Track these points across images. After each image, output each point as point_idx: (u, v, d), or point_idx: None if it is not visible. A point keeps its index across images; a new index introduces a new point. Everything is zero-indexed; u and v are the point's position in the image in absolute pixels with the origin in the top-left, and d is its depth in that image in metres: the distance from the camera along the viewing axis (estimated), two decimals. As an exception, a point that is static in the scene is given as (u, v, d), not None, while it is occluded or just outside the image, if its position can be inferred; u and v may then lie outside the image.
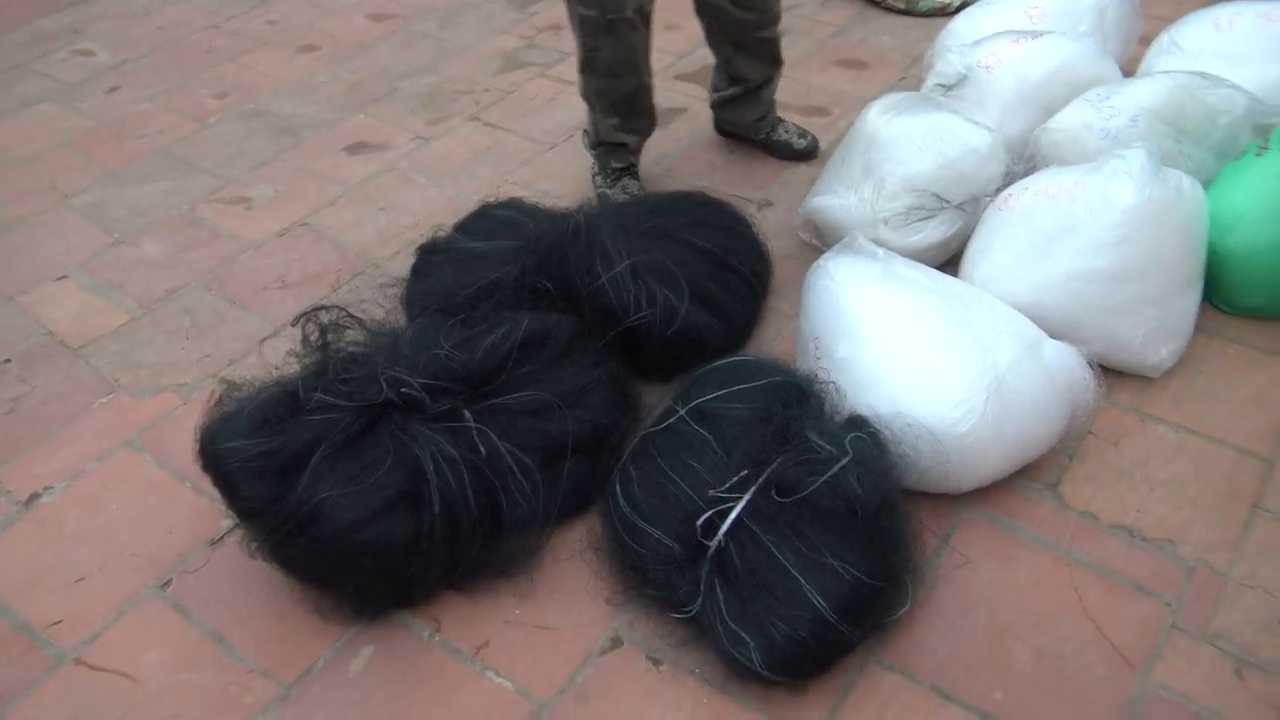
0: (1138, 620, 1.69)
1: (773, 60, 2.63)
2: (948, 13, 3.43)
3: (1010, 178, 2.37)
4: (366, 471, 1.70)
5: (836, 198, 2.35)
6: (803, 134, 2.79)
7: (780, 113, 2.85)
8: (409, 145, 3.06)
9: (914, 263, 2.00)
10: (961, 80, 2.53)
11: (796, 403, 1.74)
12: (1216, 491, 1.88)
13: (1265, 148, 2.16)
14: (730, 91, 2.69)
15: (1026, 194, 2.12)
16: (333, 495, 1.67)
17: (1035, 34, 2.50)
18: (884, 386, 1.80)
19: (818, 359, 1.93)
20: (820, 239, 2.45)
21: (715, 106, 2.81)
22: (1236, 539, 1.79)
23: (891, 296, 1.89)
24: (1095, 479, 1.92)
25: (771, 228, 2.58)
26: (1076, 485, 1.91)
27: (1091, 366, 1.89)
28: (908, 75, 3.15)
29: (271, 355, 2.24)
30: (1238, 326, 2.19)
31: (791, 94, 3.13)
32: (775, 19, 2.51)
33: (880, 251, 1.96)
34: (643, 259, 2.08)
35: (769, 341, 2.27)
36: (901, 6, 3.50)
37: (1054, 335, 1.96)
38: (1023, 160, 2.41)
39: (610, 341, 2.02)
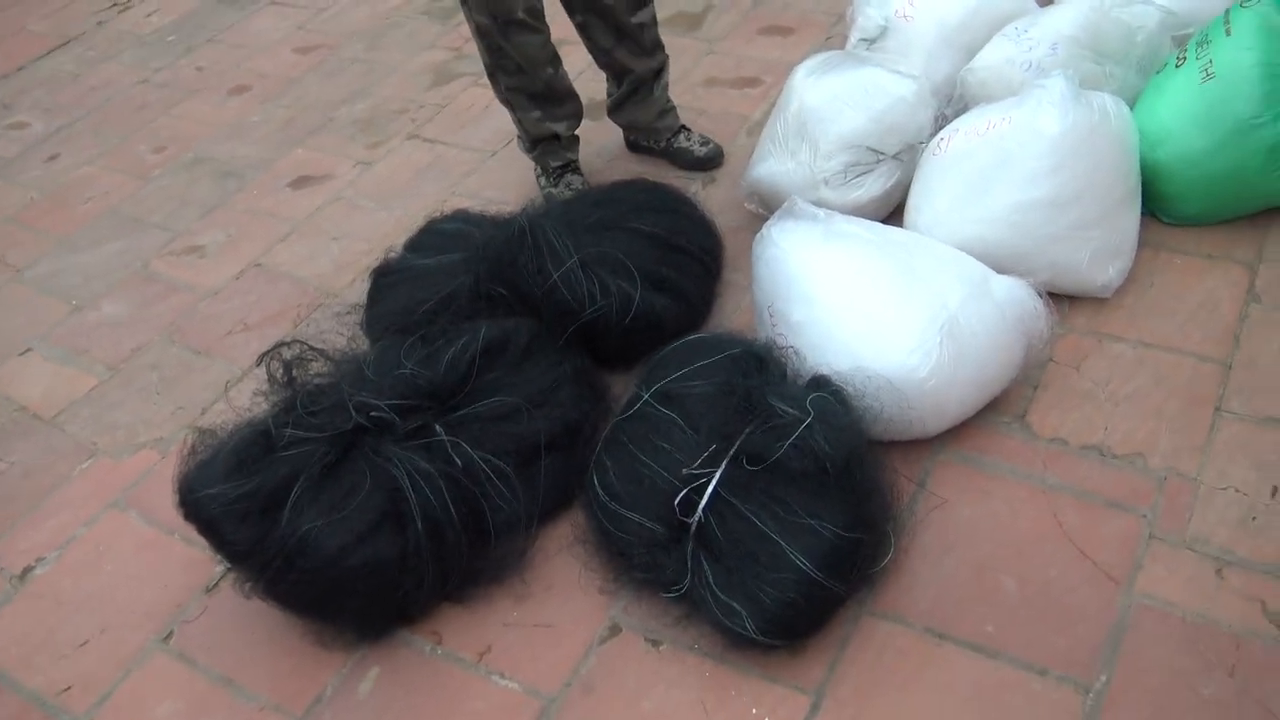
0: (1116, 536, 1.73)
1: (655, 47, 2.60)
2: (866, -33, 3.45)
3: (942, 121, 2.40)
4: (346, 498, 1.73)
5: (776, 164, 2.38)
6: (705, 141, 2.75)
7: (713, 88, 2.86)
8: (352, 172, 3.07)
9: (854, 219, 2.03)
10: (883, 33, 2.56)
11: (756, 372, 1.77)
12: (1179, 400, 1.92)
13: (1183, 58, 2.19)
14: (622, 91, 2.67)
15: (958, 136, 2.16)
16: (316, 526, 1.69)
17: (949, -23, 2.52)
18: (840, 344, 1.83)
19: (774, 326, 1.96)
20: (766, 207, 2.47)
21: (613, 114, 2.76)
22: (1203, 443, 1.83)
23: (836, 255, 1.92)
24: (1061, 405, 1.96)
25: (718, 203, 2.61)
26: (1043, 413, 1.95)
27: (1041, 295, 1.92)
28: (833, 34, 3.17)
29: (240, 398, 2.26)
30: (1180, 236, 2.23)
31: (722, 68, 3.15)
32: (645, 1, 2.49)
33: (820, 213, 1.99)
34: (592, 252, 2.10)
35: (729, 315, 2.29)
36: (820, -33, 3.52)
37: (1003, 269, 2.00)
38: (953, 102, 2.45)
39: (571, 337, 2.05)
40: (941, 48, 2.49)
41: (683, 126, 2.78)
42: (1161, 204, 2.25)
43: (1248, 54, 2.06)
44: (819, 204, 2.27)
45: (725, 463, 1.65)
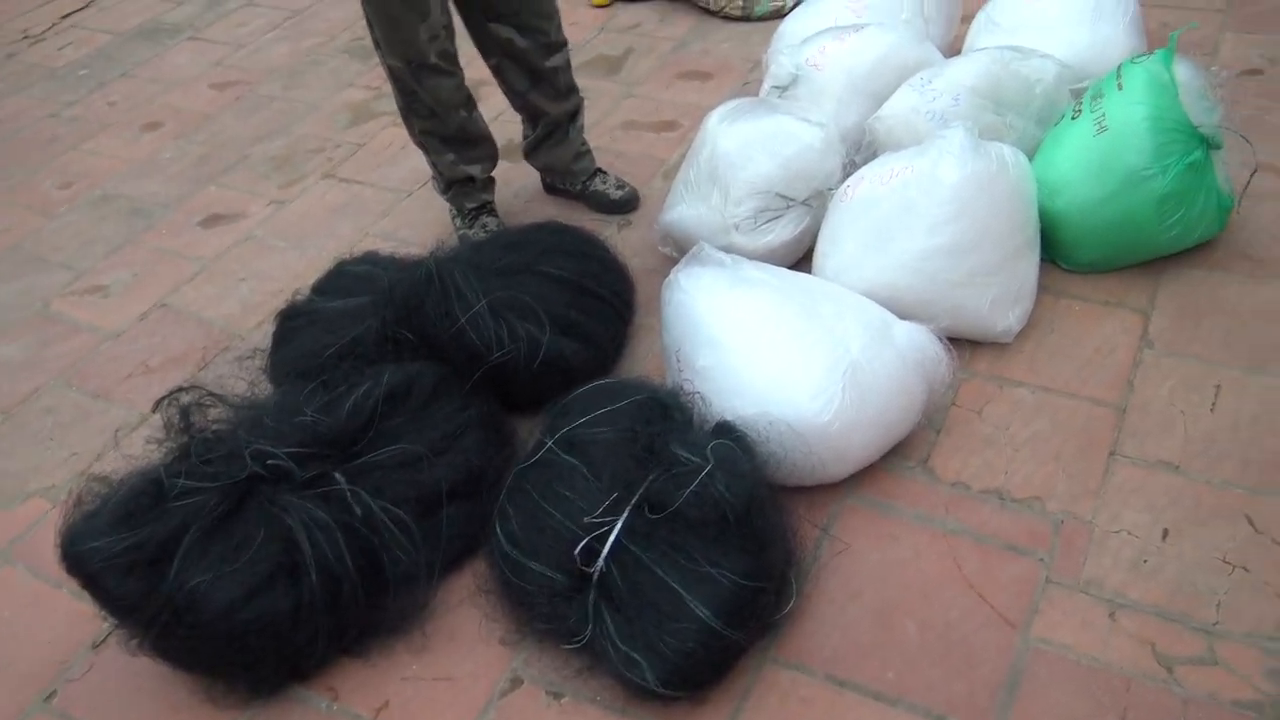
0: (1015, 580, 1.75)
1: (570, 91, 2.61)
2: (783, 14, 3.52)
3: (852, 167, 2.44)
4: (239, 550, 1.68)
5: (688, 209, 2.40)
6: (621, 185, 2.77)
7: (631, 131, 2.88)
8: (265, 211, 3.02)
9: (762, 264, 2.05)
10: (795, 80, 2.60)
11: (660, 418, 1.76)
12: (1076, 444, 1.95)
13: (1079, 111, 2.26)
14: (537, 134, 2.67)
15: (864, 183, 2.19)
16: (206, 580, 1.64)
17: (857, 27, 2.58)
18: (746, 389, 1.84)
19: (681, 371, 1.96)
20: (680, 251, 2.48)
21: (529, 157, 2.76)
22: (1098, 487, 1.87)
23: (742, 301, 1.93)
24: (963, 449, 1.98)
25: (633, 246, 2.62)
26: (946, 457, 1.97)
27: (942, 341, 1.95)
28: (750, 80, 3.22)
29: (134, 446, 2.19)
30: (1079, 283, 2.29)
31: (640, 112, 3.18)
32: (561, 45, 2.51)
33: (727, 259, 2.00)
34: (500, 296, 2.08)
35: (640, 359, 2.29)
36: (738, 13, 3.58)
37: (907, 315, 2.03)
38: (862, 149, 2.49)
39: (478, 382, 2.03)
40: (850, 95, 2.54)
41: (599, 169, 2.78)
42: (1061, 251, 2.31)
43: (1138, 108, 2.13)
44: (730, 249, 2.30)
45: (627, 511, 1.64)
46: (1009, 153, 2.13)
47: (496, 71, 2.57)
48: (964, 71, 2.38)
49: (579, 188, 2.77)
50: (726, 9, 3.59)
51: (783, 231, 2.34)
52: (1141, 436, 1.95)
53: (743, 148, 2.33)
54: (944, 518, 1.86)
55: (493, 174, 2.69)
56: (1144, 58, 2.21)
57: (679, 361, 1.97)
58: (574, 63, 3.23)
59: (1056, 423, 2.00)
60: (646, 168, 2.92)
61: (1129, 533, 1.79)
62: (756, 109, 2.43)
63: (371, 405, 1.87)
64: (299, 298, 2.31)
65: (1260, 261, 2.28)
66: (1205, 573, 1.71)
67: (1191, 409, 1.98)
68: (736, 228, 2.33)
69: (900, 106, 2.41)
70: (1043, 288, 2.25)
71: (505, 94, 2.63)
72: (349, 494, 1.76)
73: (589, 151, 2.76)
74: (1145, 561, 1.74)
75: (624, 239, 2.66)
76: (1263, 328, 2.12)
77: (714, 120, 2.45)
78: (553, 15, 2.47)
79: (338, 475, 1.79)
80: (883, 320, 1.95)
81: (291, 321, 2.24)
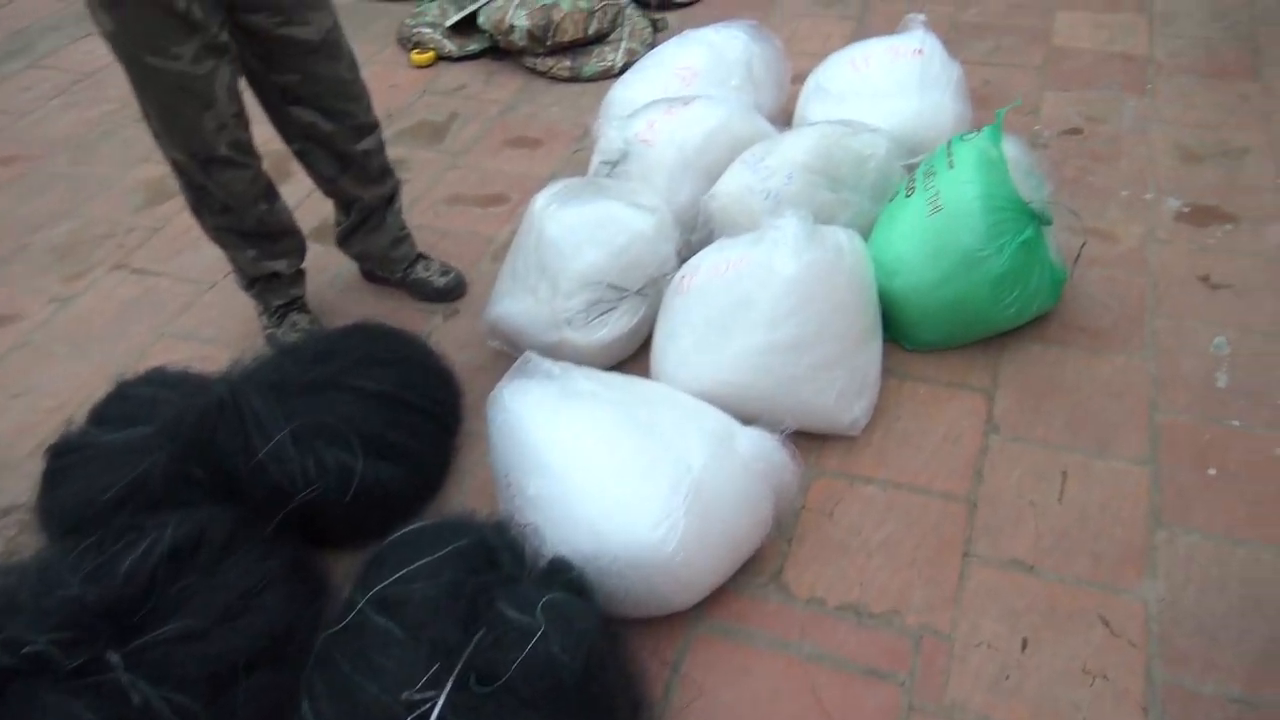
0: (877, 709, 1.64)
1: (384, 174, 2.41)
2: (612, 74, 3.41)
3: (687, 249, 2.33)
4: (-16, 771, 1.41)
5: (515, 302, 2.23)
6: (445, 271, 2.58)
7: (456, 206, 2.69)
8: (45, 311, 2.69)
9: (594, 372, 1.89)
10: (625, 156, 2.47)
11: (487, 566, 1.58)
12: (930, 545, 1.87)
13: (912, 188, 2.21)
14: (351, 221, 2.46)
15: (699, 274, 2.08)
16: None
17: (685, 100, 2.48)
18: (581, 521, 1.68)
19: (512, 498, 1.79)
20: (510, 346, 2.31)
21: (343, 245, 2.54)
22: (954, 593, 1.79)
23: (574, 419, 1.77)
24: (817, 558, 1.87)
25: (460, 338, 2.43)
26: (800, 569, 1.86)
27: (788, 446, 1.84)
28: (581, 148, 3.08)
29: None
30: (921, 363, 2.23)
31: (466, 184, 3.00)
32: (372, 127, 2.31)
33: (556, 369, 1.84)
34: (306, 421, 1.87)
35: (469, 471, 2.11)
36: (566, 74, 3.45)
37: (749, 413, 1.92)
38: (697, 229, 2.38)
39: (283, 523, 1.80)
40: (682, 172, 2.42)
41: (421, 255, 2.59)
42: (901, 331, 2.25)
43: (969, 187, 2.09)
44: (562, 345, 2.16)
45: (450, 685, 1.45)
46: (845, 238, 2.05)
47: (301, 157, 2.34)
48: (796, 148, 2.30)
49: (399, 276, 2.56)
50: (554, 70, 3.46)
51: (617, 324, 2.20)
52: (994, 533, 1.88)
53: (571, 236, 2.18)
54: (800, 642, 1.74)
55: (302, 266, 2.45)
56: (973, 135, 2.17)
57: (509, 487, 1.80)
58: (395, 129, 3.05)
59: (909, 522, 1.92)
60: (473, 247, 2.74)
61: (989, 645, 1.70)
62: (584, 192, 2.29)
63: (152, 567, 1.62)
64: (72, 429, 2.02)
65: (1094, 333, 2.27)
66: (1066, 685, 1.64)
67: (1040, 499, 1.93)
68: (568, 323, 2.18)
69: (734, 185, 2.31)
70: (886, 370, 2.18)
71: (312, 179, 2.41)
72: (125, 682, 1.50)
73: (409, 236, 2.56)
74: (1007, 678, 1.66)
75: (450, 331, 2.47)
76: (1102, 406, 2.10)
77: (540, 203, 2.29)
78: (360, 97, 2.27)
79: (112, 659, 1.53)
80: (726, 429, 1.82)
81: (63, 459, 1.95)
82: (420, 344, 2.21)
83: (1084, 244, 2.31)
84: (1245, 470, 1.95)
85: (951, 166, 2.14)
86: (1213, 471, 1.95)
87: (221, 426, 1.83)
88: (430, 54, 3.64)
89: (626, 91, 2.81)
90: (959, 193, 2.09)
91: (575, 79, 3.45)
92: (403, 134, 3.25)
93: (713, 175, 2.41)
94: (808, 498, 1.98)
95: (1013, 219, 2.08)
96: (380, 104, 3.46)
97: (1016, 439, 2.05)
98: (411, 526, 1.68)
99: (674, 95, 2.71)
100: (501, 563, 1.60)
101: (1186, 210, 2.61)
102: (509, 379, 1.86)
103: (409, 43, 3.71)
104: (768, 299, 1.95)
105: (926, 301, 2.15)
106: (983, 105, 3.05)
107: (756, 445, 1.82)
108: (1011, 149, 2.14)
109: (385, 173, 2.42)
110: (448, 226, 2.82)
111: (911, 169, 2.32)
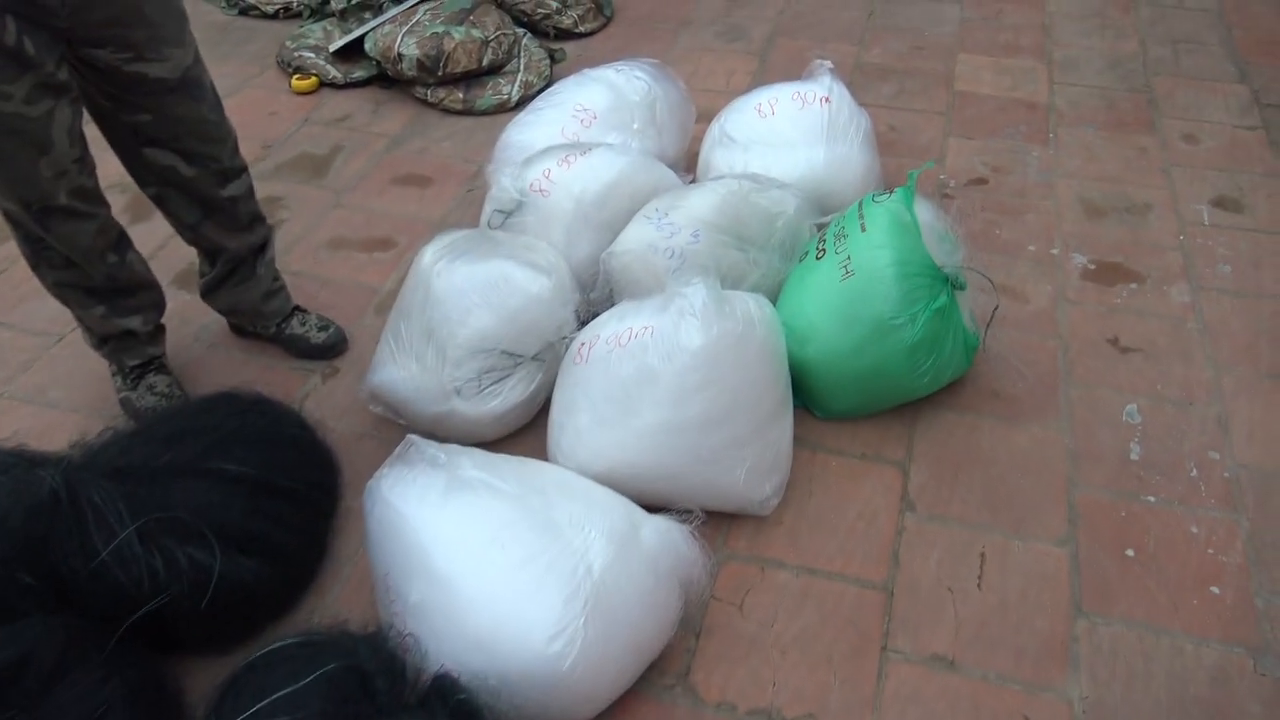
0: (793, 832, 1.51)
1: (254, 221, 2.19)
2: (508, 108, 3.24)
3: (589, 307, 2.18)
4: None
5: (399, 370, 2.04)
6: (324, 325, 2.35)
7: (339, 251, 2.48)
8: None
9: (484, 457, 1.72)
10: (519, 206, 2.31)
11: (360, 694, 1.40)
12: (846, 640, 1.75)
13: (823, 250, 2.10)
14: (217, 272, 2.24)
15: (599, 344, 1.92)
16: None
17: (583, 149, 2.32)
18: (468, 632, 1.51)
19: (392, 603, 1.60)
20: (395, 413, 2.12)
21: (208, 297, 2.30)
22: (873, 695, 1.67)
23: (461, 513, 1.60)
24: (727, 655, 1.74)
25: (340, 401, 2.23)
26: (709, 669, 1.72)
27: (695, 537, 1.70)
28: (475, 187, 2.90)
29: None
30: (835, 434, 2.13)
31: (350, 226, 2.79)
32: (239, 171, 2.09)
33: (442, 454, 1.67)
34: (156, 514, 1.65)
35: (348, 558, 1.91)
36: (459, 106, 3.26)
37: (652, 494, 1.80)
38: (598, 285, 2.23)
39: (127, 634, 1.58)
40: (581, 226, 2.27)
41: (297, 308, 2.37)
42: (813, 399, 2.14)
43: (882, 252, 1.99)
44: (451, 416, 1.99)
45: (314, 844, 1.26)
46: (755, 306, 1.92)
47: (158, 202, 2.11)
48: (702, 204, 2.18)
49: (273, 331, 2.34)
50: (446, 101, 3.27)
51: (512, 394, 2.04)
52: (913, 626, 1.77)
53: (460, 299, 2.01)
54: (710, 755, 1.60)
55: (161, 322, 2.22)
56: (885, 197, 2.07)
57: (389, 591, 1.61)
58: (272, 162, 2.84)
59: (824, 613, 1.80)
60: (356, 298, 2.53)
61: (910, 755, 1.59)
62: (477, 246, 2.11)
63: (-39, 703, 1.39)
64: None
65: (1008, 400, 2.20)
66: (992, 798, 1.54)
67: (959, 585, 1.84)
68: (458, 392, 2.00)
69: (636, 242, 2.17)
70: (798, 440, 2.07)
71: (173, 226, 2.17)
72: None
73: (283, 288, 2.34)
74: (931, 793, 1.55)
75: (329, 393, 2.26)
76: (1017, 481, 2.02)
77: (429, 258, 2.11)
78: (225, 138, 2.05)
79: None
80: (629, 522, 1.67)
81: None
82: (292, 415, 2.00)
83: (996, 308, 2.24)
84: (1163, 551, 1.89)
85: (864, 230, 2.04)
86: (1131, 553, 1.89)
87: (55, 525, 1.60)
88: (313, 80, 3.40)
89: (522, 134, 2.64)
90: (871, 258, 2.00)
91: (469, 112, 3.26)
92: (281, 168, 3.02)
93: (614, 229, 2.27)
94: (716, 584, 1.84)
95: (926, 285, 1.99)
96: (257, 133, 3.25)
97: (933, 518, 1.96)
98: (273, 646, 1.48)
99: (572, 139, 2.57)
100: (377, 689, 1.41)
101: (1093, 268, 2.58)
102: (388, 467, 1.67)
103: (289, 66, 3.46)
104: (672, 374, 1.81)
105: (840, 370, 2.05)
106: (888, 151, 2.99)
107: (663, 538, 1.67)
108: (924, 212, 2.05)
109: (255, 220, 2.20)
110: (328, 274, 2.61)
111: (822, 227, 2.21)
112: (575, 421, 1.89)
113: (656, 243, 2.15)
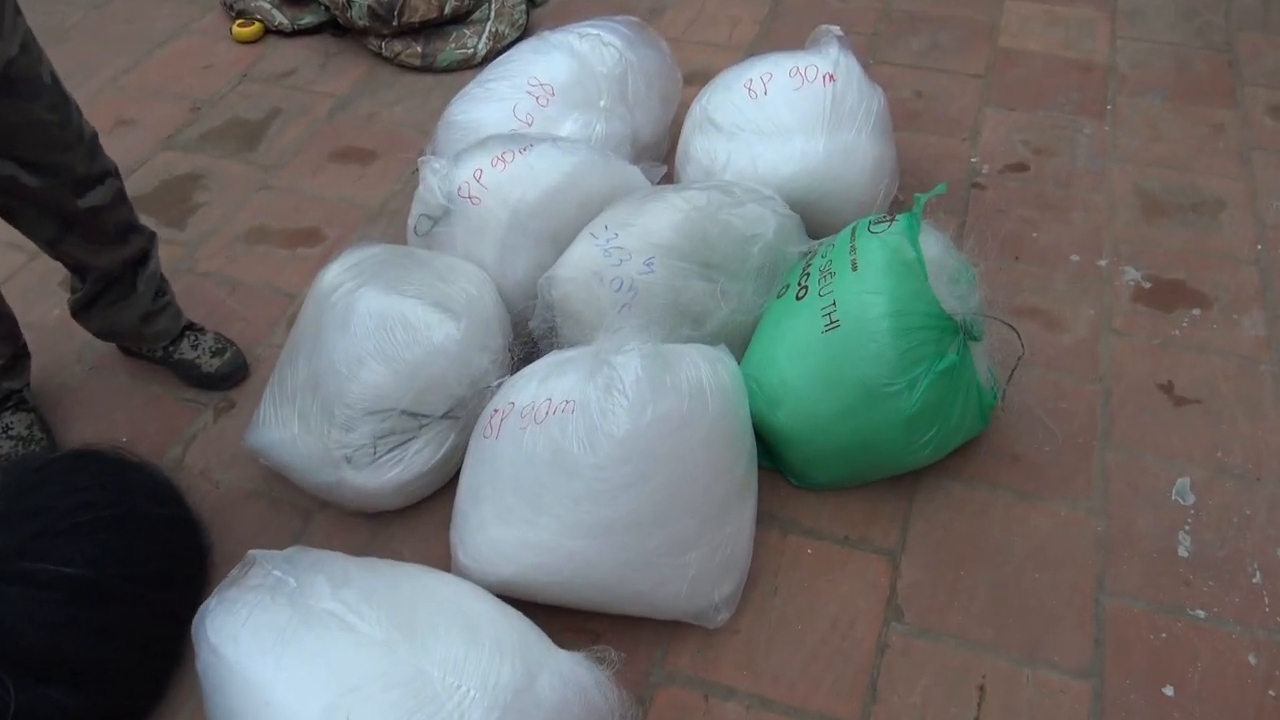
0: None
1: (126, 232, 1.83)
2: (474, 64, 2.81)
3: (529, 340, 1.81)
4: None
5: (280, 431, 1.69)
6: (220, 348, 2.00)
7: (257, 245, 2.11)
8: None
9: (347, 575, 1.37)
10: (447, 214, 1.92)
11: None
12: (800, 804, 1.41)
13: (805, 288, 1.69)
14: (86, 290, 1.88)
15: (512, 414, 1.55)
16: None
17: (523, 144, 1.91)
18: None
19: (220, 772, 1.28)
20: (286, 471, 1.77)
21: (79, 317, 1.95)
22: None
23: (301, 667, 1.25)
24: (650, 820, 1.40)
25: (231, 447, 1.89)
26: (625, 841, 1.38)
27: (616, 684, 1.35)
28: (419, 167, 2.49)
29: None
30: (813, 508, 1.75)
31: (275, 212, 2.41)
32: (99, 177, 1.72)
33: (291, 579, 1.33)
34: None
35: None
36: (417, 62, 2.83)
37: (575, 602, 1.48)
38: (536, 314, 1.85)
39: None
40: (517, 238, 1.88)
41: (189, 326, 2.01)
42: (788, 467, 1.76)
43: (875, 300, 1.58)
44: (341, 486, 1.64)
45: None
46: (708, 371, 1.53)
47: (7, 216, 1.74)
48: (660, 223, 1.77)
49: (160, 354, 2.00)
50: (402, 56, 2.84)
51: (416, 460, 1.68)
52: (887, 790, 1.42)
53: (352, 345, 1.64)
54: None
55: (19, 353, 1.88)
56: (884, 226, 1.65)
57: (216, 755, 1.29)
58: (200, 129, 2.52)
59: (777, 765, 1.45)
60: (269, 307, 2.17)
61: None
62: (386, 271, 1.75)
63: None
64: None
65: (1030, 467, 1.80)
66: None
67: (950, 731, 1.48)
68: (348, 460, 1.65)
69: (577, 268, 1.77)
70: (767, 515, 1.70)
71: (30, 237, 1.81)
72: None
73: (169, 305, 1.97)
74: None
75: (219, 434, 1.92)
76: (1033, 582, 1.64)
77: (328, 280, 1.77)
78: (73, 144, 1.67)
79: None
80: (524, 669, 1.30)
81: None
82: (150, 484, 1.65)
83: (1020, 358, 1.82)
84: (1211, 688, 1.51)
85: (855, 268, 1.62)
86: (1170, 691, 1.51)
87: None
88: (256, 26, 2.99)
89: (467, 111, 2.23)
90: (862, 306, 1.59)
91: (428, 69, 2.83)
92: (208, 136, 2.64)
93: (559, 241, 1.87)
94: (650, 717, 1.50)
95: (932, 340, 1.58)
96: (186, 90, 2.85)
97: (924, 631, 1.58)
98: None
99: (525, 120, 2.17)
100: None
101: (1148, 286, 2.13)
102: (223, 590, 1.33)
103: (232, 10, 3.05)
104: (593, 467, 1.44)
105: (819, 440, 1.66)
106: (911, 125, 2.54)
107: (567, 689, 1.32)
108: (932, 246, 1.63)
109: (128, 230, 1.84)
110: (241, 275, 2.24)
111: (806, 257, 1.80)
112: (480, 512, 1.53)
113: (602, 270, 1.75)
